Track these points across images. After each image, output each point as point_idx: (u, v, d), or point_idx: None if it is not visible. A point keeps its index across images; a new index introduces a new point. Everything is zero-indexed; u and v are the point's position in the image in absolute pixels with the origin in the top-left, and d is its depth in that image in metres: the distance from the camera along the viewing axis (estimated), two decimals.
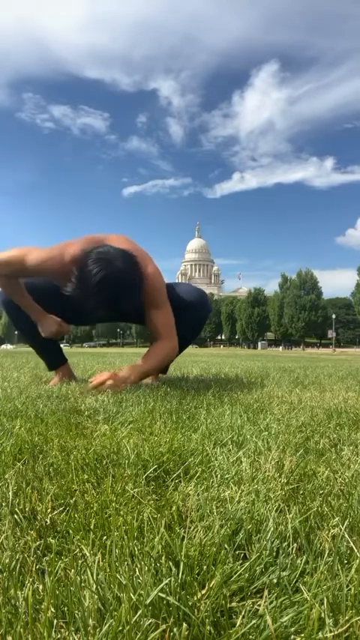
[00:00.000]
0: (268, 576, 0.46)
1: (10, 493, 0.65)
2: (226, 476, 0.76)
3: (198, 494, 0.66)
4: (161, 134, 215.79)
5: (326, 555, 0.50)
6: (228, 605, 0.41)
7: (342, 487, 0.72)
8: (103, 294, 1.70)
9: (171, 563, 0.46)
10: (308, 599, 0.42)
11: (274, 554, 0.50)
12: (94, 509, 0.61)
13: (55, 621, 0.40)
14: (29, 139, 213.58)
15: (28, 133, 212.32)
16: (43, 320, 2.12)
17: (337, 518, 0.58)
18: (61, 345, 2.50)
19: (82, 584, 0.43)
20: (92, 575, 0.44)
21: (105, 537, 0.54)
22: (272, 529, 0.54)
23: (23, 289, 2.06)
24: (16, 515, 0.59)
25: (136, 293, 1.80)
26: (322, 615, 0.40)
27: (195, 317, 2.26)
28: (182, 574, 0.44)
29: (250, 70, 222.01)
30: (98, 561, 0.47)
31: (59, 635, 0.38)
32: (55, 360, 2.38)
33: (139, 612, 0.39)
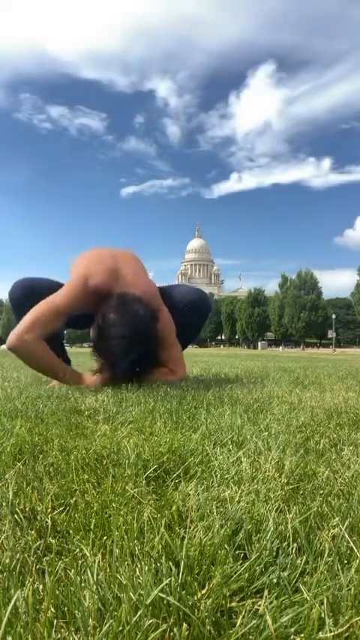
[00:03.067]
0: (268, 576, 0.46)
1: (11, 493, 0.65)
2: (226, 476, 0.76)
3: (198, 494, 0.66)
4: (158, 135, 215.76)
5: (326, 555, 0.50)
6: (228, 605, 0.41)
7: (342, 487, 0.72)
8: (129, 341, 1.83)
9: (171, 563, 0.46)
10: (308, 599, 0.42)
11: (274, 554, 0.50)
12: (95, 509, 0.61)
13: (55, 621, 0.40)
14: (27, 139, 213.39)
15: (26, 133, 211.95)
16: (79, 377, 2.12)
17: (337, 518, 0.58)
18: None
19: (82, 584, 0.43)
20: (92, 575, 0.44)
21: (105, 537, 0.54)
22: (272, 529, 0.54)
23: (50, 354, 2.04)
24: (16, 515, 0.59)
25: (151, 341, 1.94)
26: (322, 615, 0.40)
27: (195, 317, 2.26)
28: (182, 574, 0.44)
29: (247, 71, 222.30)
30: (98, 561, 0.47)
31: (59, 635, 0.38)
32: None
33: (139, 612, 0.39)
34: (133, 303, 1.86)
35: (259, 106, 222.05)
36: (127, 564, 0.47)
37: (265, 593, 0.43)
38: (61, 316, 1.97)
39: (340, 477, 0.77)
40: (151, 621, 0.39)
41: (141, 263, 2.20)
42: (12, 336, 1.96)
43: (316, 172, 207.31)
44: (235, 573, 0.46)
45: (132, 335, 1.81)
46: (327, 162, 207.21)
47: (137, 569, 0.46)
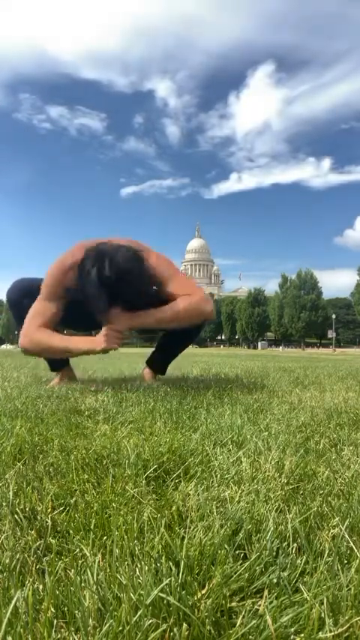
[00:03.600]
0: (268, 576, 0.46)
1: (11, 493, 0.65)
2: (226, 476, 0.76)
3: (198, 494, 0.66)
4: (158, 135, 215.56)
5: (326, 555, 0.50)
6: (228, 605, 0.41)
7: (342, 487, 0.72)
8: (105, 290, 1.73)
9: (171, 563, 0.46)
10: (308, 599, 0.42)
11: (274, 554, 0.50)
12: (95, 509, 0.61)
13: (55, 621, 0.40)
14: (26, 139, 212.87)
15: (26, 133, 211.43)
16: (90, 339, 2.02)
17: (337, 518, 0.58)
18: None
19: (82, 584, 0.43)
20: (92, 575, 0.44)
21: (105, 537, 0.54)
22: (272, 529, 0.54)
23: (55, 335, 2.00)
24: (16, 515, 0.59)
25: (138, 281, 1.81)
26: (322, 615, 0.40)
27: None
28: (182, 574, 0.44)
29: (246, 71, 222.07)
30: (98, 561, 0.47)
31: (59, 635, 0.38)
32: (57, 361, 2.38)
33: (140, 612, 0.39)
34: (105, 247, 1.80)
35: (258, 106, 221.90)
36: (127, 564, 0.47)
37: (265, 593, 0.43)
38: (51, 303, 1.97)
39: (340, 477, 0.77)
40: (151, 621, 0.39)
41: (137, 242, 2.15)
42: (20, 338, 2.00)
43: (315, 172, 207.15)
44: (235, 573, 0.46)
45: (104, 274, 1.73)
46: (327, 163, 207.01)
47: (137, 569, 0.46)
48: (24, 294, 2.17)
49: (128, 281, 1.75)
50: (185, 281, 2.04)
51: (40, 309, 1.99)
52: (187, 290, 1.99)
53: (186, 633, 0.38)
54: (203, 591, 0.43)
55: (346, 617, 0.40)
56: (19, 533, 0.55)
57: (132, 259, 1.79)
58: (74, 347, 1.96)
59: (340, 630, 0.39)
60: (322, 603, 0.41)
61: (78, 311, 1.96)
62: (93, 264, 1.75)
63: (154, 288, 1.97)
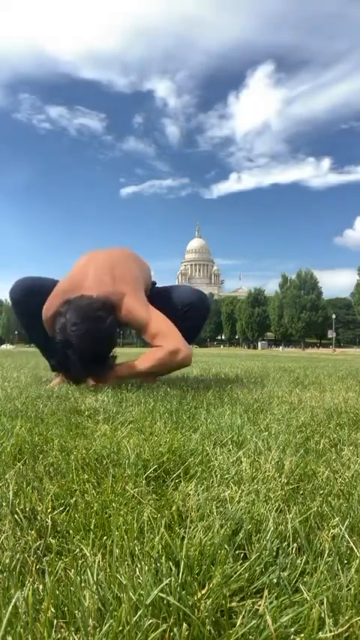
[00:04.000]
0: (268, 576, 0.46)
1: (11, 493, 0.65)
2: (226, 476, 0.76)
3: (198, 494, 0.66)
4: (158, 135, 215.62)
5: (326, 555, 0.50)
6: (228, 605, 0.41)
7: (342, 487, 0.72)
8: (74, 356, 1.82)
9: (171, 563, 0.46)
10: (308, 599, 0.42)
11: (274, 554, 0.50)
12: (95, 509, 0.61)
13: (55, 621, 0.40)
14: (26, 139, 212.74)
15: (25, 133, 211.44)
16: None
17: (337, 518, 0.58)
18: None
19: (82, 584, 0.43)
20: (92, 575, 0.44)
21: (105, 537, 0.54)
22: (272, 529, 0.54)
23: None
24: (16, 515, 0.59)
25: (105, 341, 1.90)
26: (322, 615, 0.40)
27: (195, 317, 2.26)
28: (182, 574, 0.44)
29: (246, 71, 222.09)
30: (98, 561, 0.47)
31: (59, 635, 0.38)
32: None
33: (140, 612, 0.39)
34: (68, 316, 1.85)
35: (258, 107, 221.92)
36: (127, 564, 0.47)
37: (265, 593, 0.43)
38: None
39: (340, 477, 0.77)
40: (151, 621, 0.39)
41: (123, 261, 2.16)
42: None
43: (315, 172, 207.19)
44: (235, 573, 0.46)
45: (64, 339, 1.82)
46: (326, 163, 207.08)
47: (137, 569, 0.46)
48: (27, 292, 2.18)
49: (95, 347, 1.84)
50: (158, 326, 2.02)
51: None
52: (159, 340, 2.01)
53: (186, 633, 0.38)
54: (203, 591, 0.43)
55: (346, 617, 0.40)
56: (19, 533, 0.55)
57: (90, 322, 1.83)
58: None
59: (340, 630, 0.39)
60: (322, 603, 0.41)
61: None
62: (61, 342, 1.84)
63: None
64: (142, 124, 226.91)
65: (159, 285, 2.48)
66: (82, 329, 1.80)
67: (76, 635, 0.38)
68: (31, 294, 2.15)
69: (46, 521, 0.58)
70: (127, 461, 0.82)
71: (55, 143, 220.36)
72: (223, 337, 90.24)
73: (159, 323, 2.00)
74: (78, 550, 0.51)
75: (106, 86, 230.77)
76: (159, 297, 2.22)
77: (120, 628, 0.38)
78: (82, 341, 1.79)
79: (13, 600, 0.40)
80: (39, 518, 0.59)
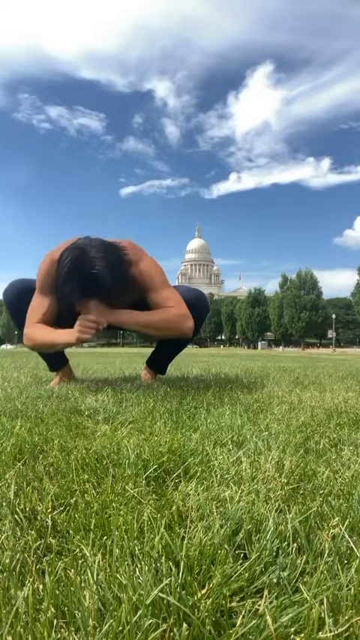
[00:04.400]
0: (268, 576, 0.46)
1: (11, 493, 0.65)
2: (226, 476, 0.76)
3: (198, 494, 0.66)
4: (157, 135, 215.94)
5: (326, 555, 0.50)
6: (228, 605, 0.41)
7: (342, 487, 0.72)
8: (76, 282, 1.76)
9: (171, 563, 0.46)
10: (308, 599, 0.42)
11: (274, 554, 0.50)
12: (95, 509, 0.61)
13: (55, 621, 0.40)
14: (26, 139, 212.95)
15: (25, 133, 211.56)
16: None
17: (337, 518, 0.58)
18: None
19: (82, 584, 0.43)
20: (92, 575, 0.44)
21: (105, 537, 0.54)
22: (272, 529, 0.54)
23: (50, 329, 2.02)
24: (16, 515, 0.59)
25: (115, 278, 1.82)
26: (322, 615, 0.40)
27: (194, 316, 2.26)
28: (182, 574, 0.44)
29: (245, 71, 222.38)
30: (98, 561, 0.47)
31: (59, 635, 0.38)
32: (57, 361, 2.39)
33: (140, 612, 0.39)
34: (84, 241, 1.83)
35: (257, 106, 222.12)
36: (127, 564, 0.47)
37: (265, 593, 0.43)
38: (46, 297, 2.00)
39: (340, 477, 0.77)
40: (151, 621, 0.39)
41: (131, 241, 2.15)
42: (24, 337, 2.06)
43: (315, 172, 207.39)
44: (235, 573, 0.46)
45: (76, 272, 1.77)
46: (326, 163, 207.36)
47: (137, 569, 0.46)
48: (20, 294, 2.19)
49: (103, 274, 1.77)
50: (171, 293, 2.03)
51: (35, 304, 2.02)
52: (171, 303, 2.00)
53: (186, 633, 0.38)
54: (203, 591, 0.43)
55: (346, 617, 0.40)
56: (19, 533, 0.55)
57: (108, 252, 1.81)
58: (57, 339, 1.99)
59: (340, 630, 0.39)
60: (322, 603, 0.41)
61: (71, 309, 1.98)
62: (68, 255, 1.78)
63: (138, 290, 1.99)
64: (142, 124, 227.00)
65: None
66: (103, 249, 1.79)
67: (76, 635, 0.38)
68: (24, 294, 2.16)
69: (46, 521, 0.58)
70: (127, 461, 0.82)
71: (54, 143, 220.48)
72: (223, 337, 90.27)
73: (173, 292, 2.01)
74: (78, 550, 0.51)
75: (105, 86, 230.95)
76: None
77: (120, 628, 0.38)
78: (102, 266, 1.75)
79: (13, 600, 0.40)
80: (39, 518, 0.59)
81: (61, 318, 2.06)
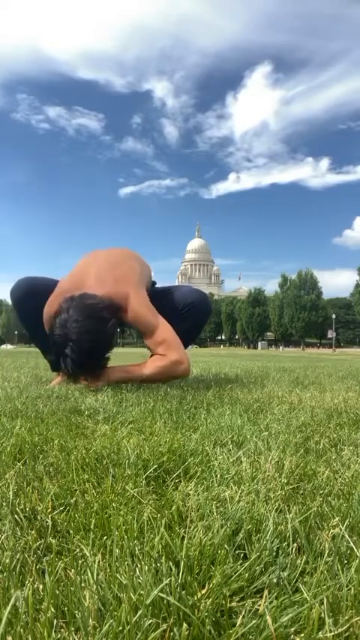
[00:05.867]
0: (268, 576, 0.46)
1: (11, 493, 0.65)
2: (226, 476, 0.76)
3: (198, 494, 0.66)
4: (156, 135, 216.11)
5: (326, 555, 0.50)
6: (228, 605, 0.41)
7: (342, 487, 0.72)
8: (71, 353, 1.82)
9: (171, 563, 0.46)
10: (308, 599, 0.42)
11: (274, 554, 0.50)
12: (95, 509, 0.61)
13: (55, 621, 0.40)
14: (25, 139, 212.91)
15: (24, 133, 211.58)
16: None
17: (337, 519, 0.58)
18: None
19: (82, 584, 0.43)
20: (92, 575, 0.44)
21: (105, 537, 0.54)
22: (272, 529, 0.54)
23: None
24: (16, 515, 0.59)
25: (105, 342, 1.90)
26: (322, 615, 0.40)
27: (195, 317, 2.26)
28: (182, 574, 0.44)
29: (243, 72, 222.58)
30: (98, 561, 0.47)
31: (59, 635, 0.38)
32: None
33: (140, 612, 0.39)
34: (68, 306, 1.85)
35: (256, 107, 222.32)
36: (127, 564, 0.47)
37: (265, 593, 0.43)
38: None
39: (340, 477, 0.77)
40: (151, 621, 0.39)
41: (126, 258, 2.17)
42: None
43: (313, 172, 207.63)
44: (235, 573, 0.46)
45: (63, 334, 1.82)
46: (325, 163, 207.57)
47: (137, 569, 0.46)
48: (27, 293, 2.19)
49: (89, 355, 1.84)
50: (163, 334, 2.03)
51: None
52: (162, 350, 2.02)
53: (186, 633, 0.38)
54: (203, 591, 0.43)
55: (346, 617, 0.40)
56: (19, 533, 0.55)
57: (90, 319, 1.83)
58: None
59: (340, 630, 0.39)
60: (322, 603, 0.41)
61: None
62: (54, 337, 1.85)
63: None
64: (141, 124, 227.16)
65: (159, 285, 2.48)
66: (84, 327, 1.80)
67: (76, 635, 0.38)
68: (31, 294, 2.16)
69: (46, 521, 0.58)
70: (127, 461, 0.82)
71: (53, 143, 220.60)
72: (223, 337, 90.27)
73: (165, 332, 2.01)
74: (78, 550, 0.51)
75: (103, 86, 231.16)
76: (159, 298, 2.23)
77: (120, 628, 0.38)
78: (82, 339, 1.79)
79: (13, 600, 0.40)
80: (39, 518, 0.59)
81: None
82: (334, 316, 58.26)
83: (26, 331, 2.38)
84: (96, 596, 0.41)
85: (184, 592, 0.42)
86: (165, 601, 0.41)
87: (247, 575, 0.46)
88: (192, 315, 2.22)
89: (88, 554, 0.49)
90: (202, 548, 0.50)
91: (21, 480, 0.73)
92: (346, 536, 0.53)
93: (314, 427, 1.20)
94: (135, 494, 0.66)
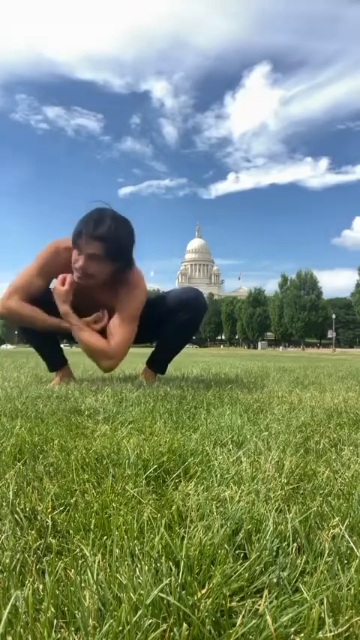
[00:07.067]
0: (268, 576, 0.46)
1: (11, 493, 0.65)
2: (226, 476, 0.76)
3: (198, 494, 0.66)
4: (155, 135, 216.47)
5: (326, 555, 0.50)
6: (228, 605, 0.41)
7: (342, 487, 0.72)
8: (102, 244, 1.90)
9: (171, 563, 0.46)
10: (308, 599, 0.42)
11: (274, 554, 0.50)
12: (95, 509, 0.61)
13: (55, 621, 0.40)
14: (24, 139, 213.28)
15: (23, 133, 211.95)
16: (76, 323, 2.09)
17: (337, 519, 0.58)
18: (62, 345, 2.52)
19: (82, 584, 0.43)
20: (92, 575, 0.44)
21: (105, 537, 0.54)
22: (272, 529, 0.54)
23: (40, 313, 2.08)
24: (16, 515, 0.59)
25: (124, 251, 2.00)
26: (322, 615, 0.40)
27: (191, 310, 2.27)
28: (182, 574, 0.44)
29: (242, 72, 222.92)
30: (98, 561, 0.47)
31: (59, 635, 0.38)
32: (56, 361, 2.39)
33: (140, 612, 0.39)
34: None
35: (254, 107, 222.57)
36: (127, 564, 0.47)
37: (265, 593, 0.43)
38: (37, 277, 2.08)
39: (340, 477, 0.77)
40: (151, 621, 0.39)
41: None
42: None
43: (312, 172, 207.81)
44: (235, 573, 0.46)
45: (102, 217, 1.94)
46: (324, 163, 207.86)
47: (137, 569, 0.46)
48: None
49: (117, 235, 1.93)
50: (124, 329, 2.08)
51: (27, 276, 2.08)
52: (112, 339, 2.07)
53: (186, 633, 0.38)
54: (203, 591, 0.43)
55: (346, 617, 0.40)
56: (19, 533, 0.55)
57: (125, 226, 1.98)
58: (45, 324, 2.06)
59: (340, 630, 0.39)
60: (322, 603, 0.41)
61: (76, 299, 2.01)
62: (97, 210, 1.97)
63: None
64: (140, 124, 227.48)
65: (159, 285, 2.51)
66: (122, 218, 1.99)
67: (76, 635, 0.38)
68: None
69: (46, 521, 0.58)
70: (127, 461, 0.82)
71: (52, 143, 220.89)
72: (223, 337, 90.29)
73: (127, 332, 2.08)
74: (78, 550, 0.51)
75: (102, 87, 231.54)
76: (153, 304, 2.24)
77: (120, 628, 0.38)
78: (125, 221, 1.99)
79: (12, 600, 0.40)
80: (39, 518, 0.59)
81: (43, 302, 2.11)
82: (334, 316, 58.27)
83: (22, 333, 2.39)
84: (96, 596, 0.41)
85: (184, 592, 0.42)
86: (165, 601, 0.41)
87: (247, 575, 0.46)
88: (188, 311, 2.24)
89: (88, 554, 0.49)
90: (202, 548, 0.50)
91: (21, 480, 0.73)
92: (346, 536, 0.53)
93: (314, 427, 1.20)
94: (135, 494, 0.66)
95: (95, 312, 2.09)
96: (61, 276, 2.04)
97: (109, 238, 1.90)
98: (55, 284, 2.07)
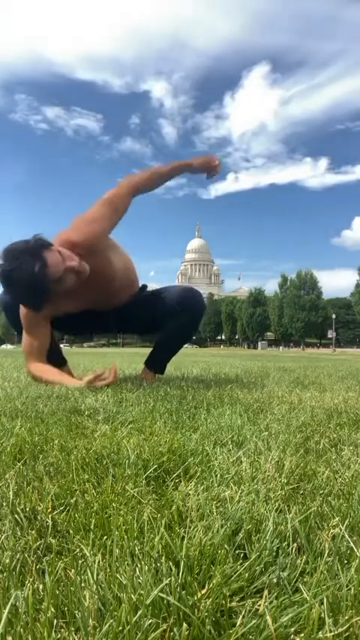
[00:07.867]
0: (268, 576, 0.46)
1: (11, 493, 0.65)
2: (226, 476, 0.76)
3: (198, 494, 0.66)
4: (154, 135, 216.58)
5: (326, 555, 0.50)
6: (228, 605, 0.41)
7: (342, 487, 0.72)
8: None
9: (171, 563, 0.46)
10: (308, 599, 0.42)
11: (274, 554, 0.50)
12: (95, 509, 0.61)
13: (55, 621, 0.40)
14: (23, 139, 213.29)
15: (22, 134, 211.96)
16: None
17: (337, 519, 0.58)
18: (62, 346, 2.52)
19: (82, 584, 0.43)
20: (92, 575, 0.44)
21: (105, 537, 0.54)
22: (272, 529, 0.54)
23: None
24: (16, 515, 0.59)
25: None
26: (322, 615, 0.40)
27: (188, 311, 2.27)
28: (182, 574, 0.44)
29: (241, 72, 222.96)
30: (98, 561, 0.47)
31: (59, 635, 0.38)
32: (55, 361, 2.39)
33: (140, 612, 0.39)
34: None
35: (254, 107, 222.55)
36: (127, 564, 0.47)
37: (265, 593, 0.43)
38: (34, 334, 2.14)
39: (340, 477, 0.77)
40: (151, 621, 0.39)
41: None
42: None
43: (312, 173, 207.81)
44: (235, 573, 0.46)
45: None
46: (323, 163, 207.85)
47: (137, 569, 0.46)
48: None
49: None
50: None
51: (28, 344, 2.16)
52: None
53: (186, 633, 0.38)
54: (203, 591, 0.43)
55: (346, 617, 0.40)
56: (19, 533, 0.55)
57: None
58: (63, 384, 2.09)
59: (340, 630, 0.39)
60: (322, 603, 0.41)
61: (73, 315, 2.02)
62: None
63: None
64: (139, 124, 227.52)
65: (158, 286, 2.51)
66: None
67: (76, 635, 0.38)
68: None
69: (47, 521, 0.58)
70: (127, 461, 0.82)
71: (52, 144, 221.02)
72: (223, 337, 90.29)
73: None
74: (78, 550, 0.51)
75: (102, 87, 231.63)
76: (151, 300, 2.24)
77: (120, 628, 0.38)
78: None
79: (12, 600, 0.40)
80: (39, 518, 0.59)
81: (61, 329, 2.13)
82: (334, 316, 58.26)
83: (18, 334, 2.39)
84: (96, 596, 0.41)
85: (184, 592, 0.42)
86: (165, 601, 0.41)
87: (247, 575, 0.46)
88: (187, 312, 2.24)
89: (88, 554, 0.49)
90: (202, 548, 0.50)
91: (21, 480, 0.73)
92: (346, 536, 0.53)
93: (314, 427, 1.20)
94: (135, 494, 0.66)
95: (108, 295, 2.13)
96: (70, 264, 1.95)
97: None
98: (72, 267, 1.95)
